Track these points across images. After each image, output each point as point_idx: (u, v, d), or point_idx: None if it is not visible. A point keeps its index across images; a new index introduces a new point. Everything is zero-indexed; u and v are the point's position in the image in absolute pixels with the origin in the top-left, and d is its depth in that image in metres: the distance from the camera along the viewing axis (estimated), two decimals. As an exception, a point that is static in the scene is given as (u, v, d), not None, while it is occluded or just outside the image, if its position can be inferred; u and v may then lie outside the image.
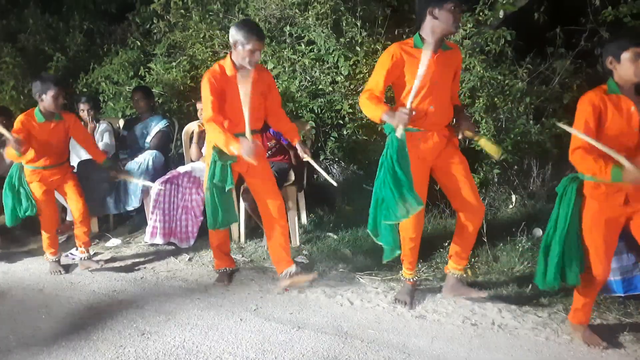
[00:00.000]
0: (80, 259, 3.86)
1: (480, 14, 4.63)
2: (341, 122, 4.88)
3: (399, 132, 2.63)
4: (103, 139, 4.71)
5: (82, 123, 4.71)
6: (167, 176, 4.23)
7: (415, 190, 2.66)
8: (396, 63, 2.75)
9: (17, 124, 3.58)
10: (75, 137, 3.86)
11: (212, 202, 3.17)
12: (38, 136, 3.61)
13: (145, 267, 3.90)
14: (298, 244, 4.15)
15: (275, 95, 3.33)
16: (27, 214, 3.70)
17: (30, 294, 3.49)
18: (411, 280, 3.16)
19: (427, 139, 2.85)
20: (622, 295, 2.92)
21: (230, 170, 3.13)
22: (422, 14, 2.76)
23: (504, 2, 4.73)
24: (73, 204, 3.82)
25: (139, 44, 5.92)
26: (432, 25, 2.73)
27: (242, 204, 4.18)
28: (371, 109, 2.75)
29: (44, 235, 3.81)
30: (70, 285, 3.63)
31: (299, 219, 4.39)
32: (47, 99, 3.56)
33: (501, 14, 4.83)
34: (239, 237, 4.30)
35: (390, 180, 2.66)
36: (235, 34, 3.02)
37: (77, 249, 3.96)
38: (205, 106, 3.06)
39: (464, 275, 3.14)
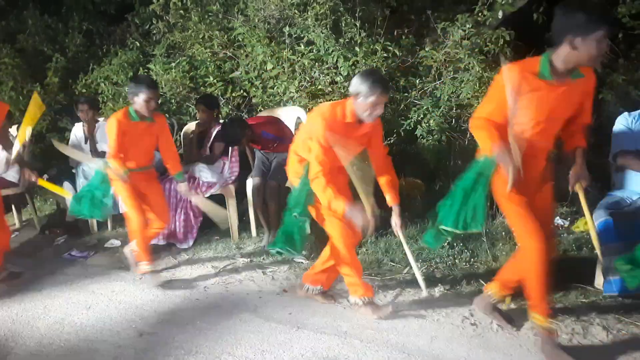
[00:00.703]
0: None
1: (480, 14, 4.64)
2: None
3: (510, 177, 2.37)
4: (102, 140, 4.71)
5: (81, 123, 4.75)
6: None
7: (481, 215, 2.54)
8: (515, 89, 2.37)
9: (114, 124, 3.44)
10: (159, 142, 3.71)
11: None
12: (130, 136, 3.49)
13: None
14: (308, 232, 4.18)
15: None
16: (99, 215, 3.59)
17: (28, 295, 3.49)
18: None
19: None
20: (620, 294, 2.93)
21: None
22: (559, 37, 2.28)
23: (503, 2, 4.73)
24: (160, 211, 3.67)
25: (138, 44, 5.93)
26: (567, 54, 2.28)
27: (249, 201, 4.18)
28: (483, 140, 2.51)
29: (137, 239, 3.56)
30: (69, 285, 3.62)
31: None
32: (138, 102, 3.43)
33: (500, 14, 4.83)
34: (243, 234, 4.31)
35: (478, 194, 2.54)
36: (358, 85, 2.76)
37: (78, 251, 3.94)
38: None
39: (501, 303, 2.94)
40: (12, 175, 4.65)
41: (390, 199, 3.08)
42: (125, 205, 3.56)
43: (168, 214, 3.74)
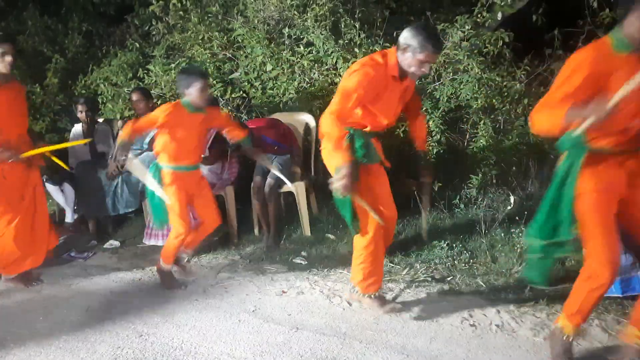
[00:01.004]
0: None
1: (479, 15, 4.65)
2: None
3: (585, 125, 2.05)
4: (101, 141, 4.72)
5: (80, 124, 4.75)
6: None
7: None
8: (592, 74, 2.14)
9: (163, 115, 3.25)
10: (219, 126, 3.62)
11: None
12: (184, 130, 3.31)
13: (143, 269, 3.89)
14: (309, 233, 4.26)
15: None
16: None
17: (27, 296, 3.48)
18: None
19: (621, 163, 2.26)
20: (620, 296, 2.93)
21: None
22: (626, 8, 2.14)
23: (502, 4, 4.74)
24: (208, 213, 3.53)
25: (137, 45, 5.92)
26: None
27: (253, 202, 4.18)
28: (553, 116, 2.16)
29: (172, 244, 3.43)
30: (67, 286, 3.62)
31: (311, 210, 4.49)
32: (193, 92, 3.25)
33: (499, 15, 4.84)
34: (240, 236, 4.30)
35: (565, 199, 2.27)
36: (409, 38, 2.61)
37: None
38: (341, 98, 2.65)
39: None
40: None
41: (419, 144, 3.26)
42: (171, 213, 3.35)
43: (218, 214, 3.58)
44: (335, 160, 2.61)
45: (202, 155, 4.42)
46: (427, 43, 2.57)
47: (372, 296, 3.05)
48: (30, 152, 3.36)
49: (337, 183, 2.55)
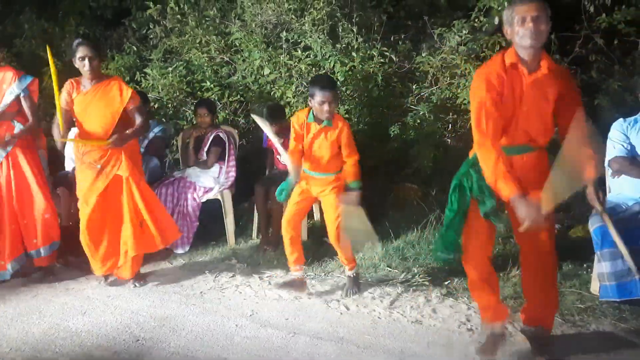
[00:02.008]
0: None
1: (476, 20, 4.66)
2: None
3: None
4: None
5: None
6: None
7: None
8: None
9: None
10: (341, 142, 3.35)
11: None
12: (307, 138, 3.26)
13: (140, 273, 3.87)
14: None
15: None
16: None
17: (23, 300, 3.47)
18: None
19: None
20: (617, 300, 2.93)
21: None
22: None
23: (499, 8, 4.74)
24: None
25: (135, 49, 5.93)
26: None
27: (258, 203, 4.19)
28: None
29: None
30: (64, 290, 3.60)
31: (313, 216, 4.54)
32: (313, 104, 3.17)
33: (496, 20, 4.85)
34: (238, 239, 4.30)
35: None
36: (505, 15, 2.40)
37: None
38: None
39: None
40: None
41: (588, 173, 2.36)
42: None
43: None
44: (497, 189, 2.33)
45: (200, 159, 4.44)
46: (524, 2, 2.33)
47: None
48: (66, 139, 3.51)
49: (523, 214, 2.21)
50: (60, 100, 3.46)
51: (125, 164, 3.47)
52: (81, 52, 3.40)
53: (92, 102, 3.46)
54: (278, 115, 4.26)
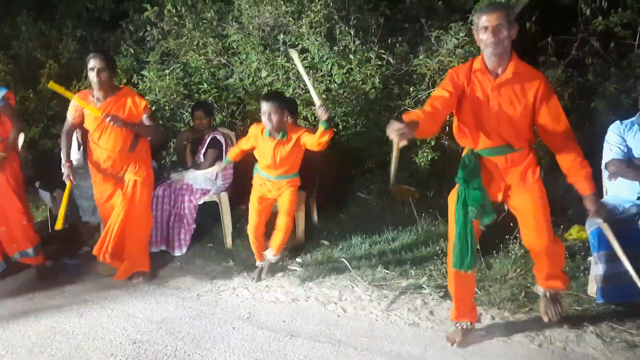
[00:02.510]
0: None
1: (473, 23, 4.66)
2: (335, 129, 4.88)
3: None
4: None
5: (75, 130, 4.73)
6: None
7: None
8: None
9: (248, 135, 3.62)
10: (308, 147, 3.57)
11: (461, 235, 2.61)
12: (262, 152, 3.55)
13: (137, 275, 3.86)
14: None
15: None
16: None
17: (20, 302, 3.45)
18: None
19: None
20: (614, 302, 2.93)
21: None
22: None
23: (496, 11, 4.76)
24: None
25: (132, 51, 5.92)
26: None
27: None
28: None
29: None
30: (61, 293, 3.59)
31: (311, 219, 4.53)
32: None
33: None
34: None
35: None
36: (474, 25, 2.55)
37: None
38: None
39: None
40: None
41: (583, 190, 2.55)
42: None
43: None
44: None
45: (197, 162, 4.43)
46: (481, 10, 2.52)
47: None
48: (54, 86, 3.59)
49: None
50: (68, 114, 3.66)
51: (141, 170, 3.70)
52: (92, 63, 3.48)
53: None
54: (295, 109, 4.31)
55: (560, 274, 2.78)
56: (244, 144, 3.62)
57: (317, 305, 3.28)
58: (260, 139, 3.52)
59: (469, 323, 2.79)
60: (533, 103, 2.46)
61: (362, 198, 4.97)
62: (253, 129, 3.58)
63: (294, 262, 3.94)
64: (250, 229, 3.67)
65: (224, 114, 5.19)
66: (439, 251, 3.79)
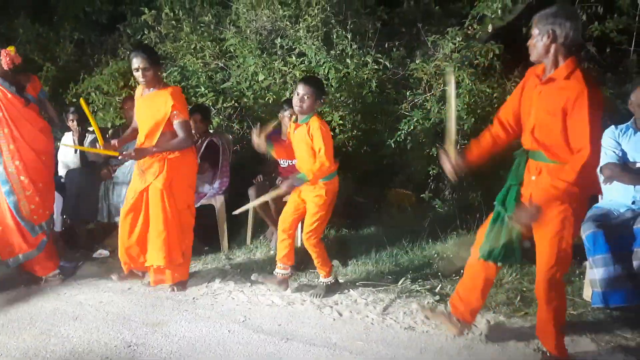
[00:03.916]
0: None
1: (469, 28, 4.70)
2: (331, 133, 4.89)
3: None
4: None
5: (71, 133, 4.73)
6: None
7: None
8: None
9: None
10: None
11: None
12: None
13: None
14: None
15: None
16: None
17: (15, 305, 3.44)
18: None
19: None
20: (608, 306, 2.94)
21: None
22: None
23: (493, 16, 4.79)
24: None
25: (129, 54, 5.92)
26: None
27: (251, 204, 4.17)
28: None
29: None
30: (56, 296, 3.58)
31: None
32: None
33: (490, 28, 4.89)
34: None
35: None
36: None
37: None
38: None
39: None
40: None
41: None
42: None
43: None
44: None
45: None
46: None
47: None
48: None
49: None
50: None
51: (163, 176, 3.47)
52: (134, 63, 3.37)
53: (143, 109, 3.51)
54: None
55: (551, 334, 2.54)
56: None
57: (312, 308, 3.28)
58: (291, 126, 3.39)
59: (461, 321, 2.75)
60: (563, 112, 2.29)
61: (358, 202, 4.98)
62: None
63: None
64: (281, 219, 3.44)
65: (221, 117, 5.19)
66: (435, 255, 3.79)
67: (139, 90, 3.60)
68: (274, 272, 3.48)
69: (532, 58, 2.44)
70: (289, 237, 3.40)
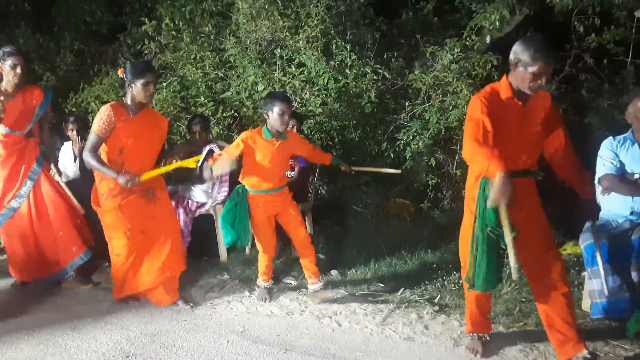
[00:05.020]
0: (313, 290, 3.52)
1: (468, 39, 4.73)
2: (330, 143, 4.91)
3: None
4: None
5: (70, 142, 4.73)
6: None
7: None
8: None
9: (239, 141, 3.35)
10: (301, 154, 3.71)
11: (480, 255, 2.50)
12: (262, 156, 3.36)
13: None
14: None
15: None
16: (239, 244, 3.59)
17: (13, 315, 3.42)
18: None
19: None
20: (607, 317, 2.93)
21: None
22: None
23: (491, 28, 4.83)
24: (293, 232, 3.54)
25: (129, 64, 5.94)
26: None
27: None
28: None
29: (262, 261, 3.57)
30: (54, 306, 3.56)
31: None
32: (271, 117, 3.31)
33: (488, 39, 4.93)
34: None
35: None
36: (519, 52, 2.50)
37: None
38: (471, 128, 2.46)
39: None
40: None
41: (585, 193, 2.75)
42: (255, 232, 3.54)
43: (305, 234, 3.59)
44: (488, 171, 2.32)
45: (194, 174, 4.43)
46: (540, 54, 2.45)
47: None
48: (147, 174, 3.27)
49: (494, 191, 2.26)
50: (99, 126, 3.20)
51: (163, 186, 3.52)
52: (149, 77, 3.24)
53: (142, 130, 3.31)
54: (301, 118, 4.39)
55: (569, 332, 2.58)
56: (234, 150, 3.37)
57: (311, 319, 3.27)
58: (259, 142, 3.35)
59: (486, 335, 2.82)
60: (544, 122, 2.60)
61: (358, 211, 4.98)
62: (246, 134, 3.40)
63: (288, 275, 3.93)
64: (269, 252, 3.54)
65: (220, 127, 5.21)
66: (434, 265, 3.79)
67: (112, 114, 3.21)
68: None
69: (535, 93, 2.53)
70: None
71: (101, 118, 3.20)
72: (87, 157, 3.19)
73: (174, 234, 3.50)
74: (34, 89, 3.83)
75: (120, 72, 3.35)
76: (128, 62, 3.81)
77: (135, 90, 3.25)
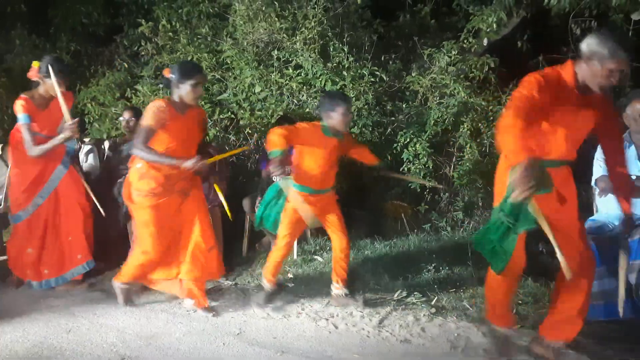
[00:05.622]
0: (337, 295, 3.48)
1: (465, 41, 4.74)
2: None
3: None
4: (87, 160, 4.68)
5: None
6: None
7: None
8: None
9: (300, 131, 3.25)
10: (354, 154, 3.62)
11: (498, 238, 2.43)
12: (318, 153, 3.29)
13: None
14: (295, 257, 4.23)
15: None
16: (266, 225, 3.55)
17: (7, 317, 3.40)
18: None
19: None
20: (604, 320, 2.93)
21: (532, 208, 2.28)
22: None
23: (488, 30, 4.84)
24: (336, 237, 3.45)
25: (126, 65, 5.94)
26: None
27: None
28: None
29: (275, 256, 3.46)
30: (49, 308, 3.55)
31: (304, 234, 4.47)
32: (335, 117, 3.24)
33: (485, 41, 4.94)
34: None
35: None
36: (594, 45, 2.36)
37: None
38: (518, 101, 2.29)
39: None
40: None
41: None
42: (280, 230, 3.44)
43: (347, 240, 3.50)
44: (513, 155, 2.15)
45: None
46: (618, 50, 2.31)
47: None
48: (211, 159, 3.45)
49: (517, 182, 2.07)
50: (152, 119, 3.18)
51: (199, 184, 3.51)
52: (200, 78, 3.26)
53: (191, 128, 3.34)
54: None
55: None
56: (294, 134, 3.18)
57: (308, 321, 3.26)
58: (319, 137, 3.26)
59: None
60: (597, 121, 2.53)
61: (357, 214, 4.97)
62: (307, 125, 3.32)
63: (285, 277, 3.92)
64: (287, 248, 3.45)
65: (217, 128, 5.20)
66: (431, 267, 3.79)
67: (165, 108, 3.21)
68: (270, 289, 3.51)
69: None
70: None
71: (154, 112, 3.18)
72: (141, 151, 3.16)
73: (207, 236, 3.44)
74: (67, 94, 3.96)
75: (166, 72, 3.33)
76: (176, 63, 3.79)
77: (184, 90, 3.24)
